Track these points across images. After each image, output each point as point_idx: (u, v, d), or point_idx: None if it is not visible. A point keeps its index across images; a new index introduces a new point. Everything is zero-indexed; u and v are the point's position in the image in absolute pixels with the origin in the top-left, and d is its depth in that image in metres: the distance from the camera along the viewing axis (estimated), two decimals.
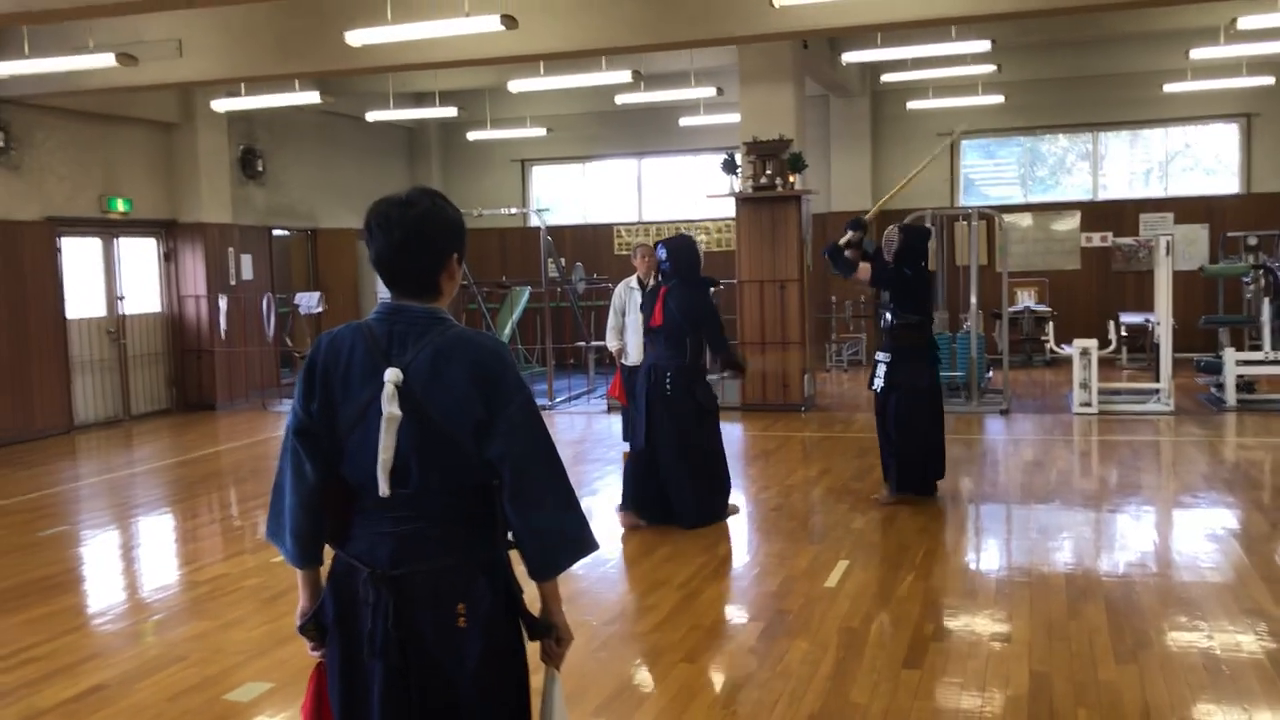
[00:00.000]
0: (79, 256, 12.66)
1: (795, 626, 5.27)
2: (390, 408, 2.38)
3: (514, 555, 2.55)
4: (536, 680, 2.59)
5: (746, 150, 11.90)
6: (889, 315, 7.62)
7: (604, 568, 6.40)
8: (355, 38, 8.83)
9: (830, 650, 4.91)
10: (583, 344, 14.69)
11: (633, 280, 9.30)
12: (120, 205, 12.92)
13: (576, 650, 5.05)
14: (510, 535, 2.52)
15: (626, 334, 9.18)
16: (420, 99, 15.54)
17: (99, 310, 12.95)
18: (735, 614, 5.61)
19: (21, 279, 11.74)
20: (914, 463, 7.64)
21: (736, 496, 8.51)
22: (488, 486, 2.48)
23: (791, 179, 11.74)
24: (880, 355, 7.71)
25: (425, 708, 2.45)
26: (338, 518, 2.53)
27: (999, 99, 14.87)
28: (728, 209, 13.08)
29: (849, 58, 11.79)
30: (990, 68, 13.34)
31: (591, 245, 17.44)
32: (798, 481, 8.65)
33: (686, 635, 5.24)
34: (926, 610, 5.42)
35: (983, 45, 11.07)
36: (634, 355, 8.88)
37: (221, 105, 12.70)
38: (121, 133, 13.03)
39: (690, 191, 17.04)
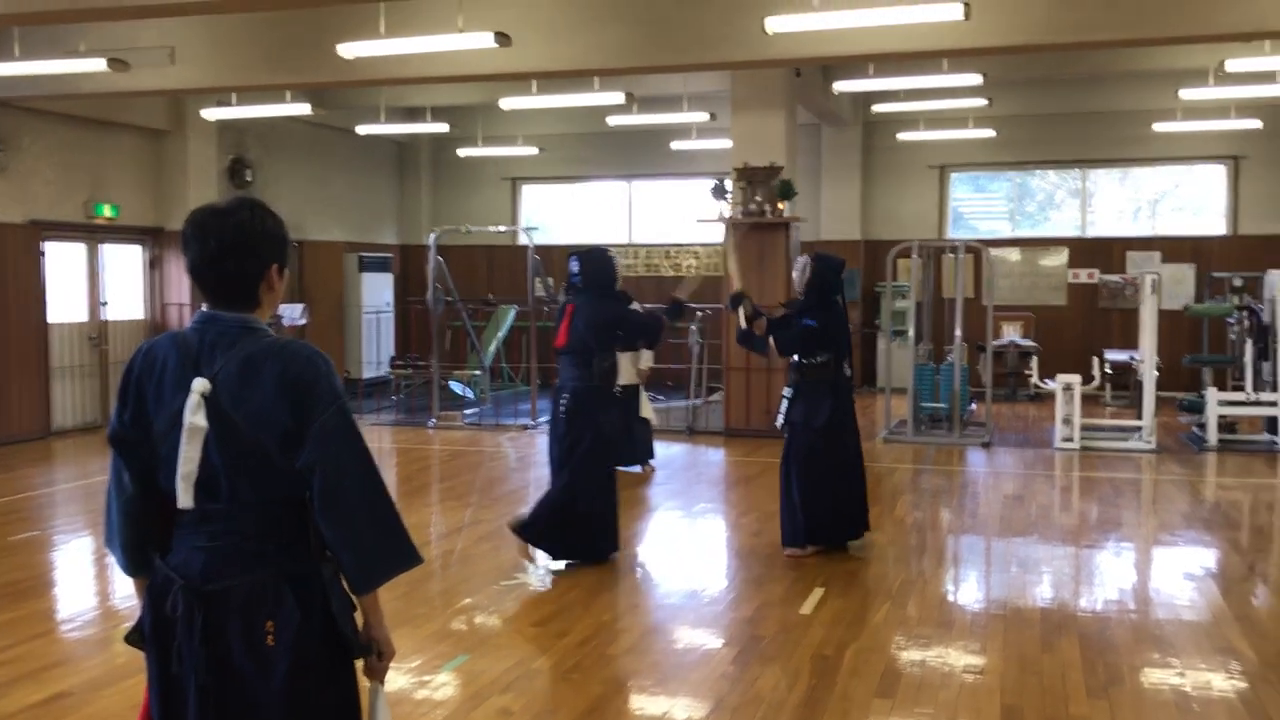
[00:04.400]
0: (63, 261, 12.60)
1: (768, 653, 5.23)
2: (193, 418, 2.35)
3: None
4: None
5: (737, 176, 11.92)
6: (796, 355, 6.93)
7: (577, 590, 6.35)
8: (347, 50, 8.84)
9: (803, 677, 4.88)
10: None
11: None
12: (107, 211, 12.86)
13: (547, 669, 5.02)
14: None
15: None
16: (412, 114, 15.55)
17: (81, 315, 12.87)
18: (709, 639, 5.57)
19: (3, 282, 11.67)
20: (820, 509, 6.83)
21: (713, 521, 8.49)
22: (300, 498, 2.41)
23: (781, 206, 11.76)
24: (785, 391, 7.05)
25: None
26: (161, 528, 2.48)
27: (990, 133, 14.95)
28: (717, 234, 13.09)
29: (840, 87, 11.85)
30: (981, 101, 13.41)
31: None
32: (777, 508, 8.59)
33: (659, 659, 5.20)
34: (901, 640, 5.39)
35: (974, 79, 11.13)
36: None
37: (212, 114, 12.69)
38: (111, 138, 12.99)
39: (680, 215, 17.06)
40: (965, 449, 11.26)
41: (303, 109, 12.59)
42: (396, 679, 4.75)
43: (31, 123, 11.91)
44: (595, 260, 6.76)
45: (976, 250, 13.11)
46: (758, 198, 11.77)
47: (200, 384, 2.36)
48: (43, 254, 12.19)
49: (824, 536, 6.91)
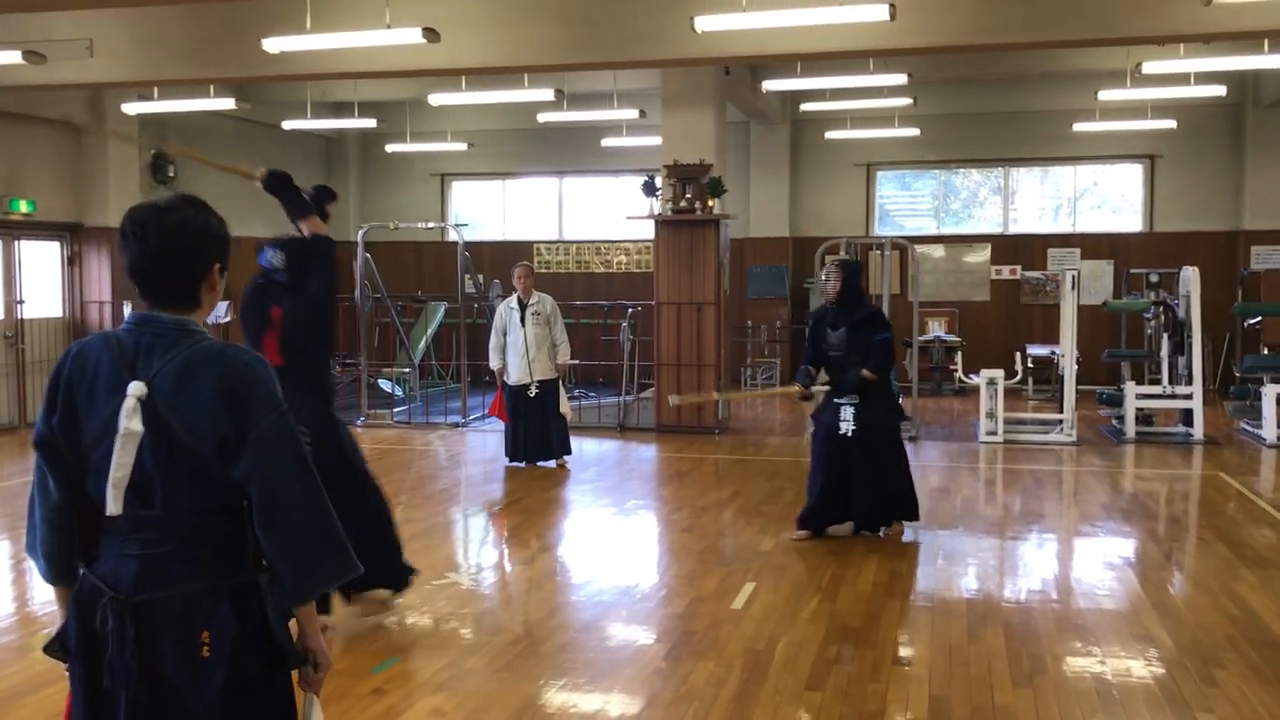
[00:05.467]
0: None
1: (701, 648, 5.27)
2: (129, 423, 2.27)
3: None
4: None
5: (667, 173, 11.97)
6: (839, 357, 7.20)
7: (508, 588, 6.34)
8: (273, 45, 8.71)
9: (735, 671, 4.92)
10: None
11: (513, 300, 10.00)
12: (23, 206, 12.53)
13: (480, 668, 5.01)
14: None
15: (507, 353, 9.90)
16: (339, 109, 15.37)
17: None
18: (642, 635, 5.59)
19: None
20: (890, 499, 7.34)
21: (645, 517, 8.52)
22: (237, 507, 2.35)
23: (710, 203, 11.83)
24: (841, 399, 7.18)
25: None
26: (86, 536, 2.40)
27: (915, 132, 15.17)
28: (647, 231, 13.13)
29: (769, 85, 11.95)
30: (907, 101, 13.61)
31: (511, 262, 17.24)
32: (709, 504, 8.67)
33: (592, 656, 5.21)
34: (830, 633, 5.46)
35: (899, 79, 11.30)
36: (514, 374, 9.84)
37: (133, 108, 12.42)
38: (27, 132, 12.65)
39: (611, 212, 17.08)
40: None
41: (226, 104, 12.39)
42: (327, 683, 4.71)
43: None
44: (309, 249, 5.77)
45: (902, 247, 13.31)
46: (688, 195, 11.83)
47: (136, 388, 2.28)
48: None
49: (891, 518, 7.42)
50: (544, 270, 17.37)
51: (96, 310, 13.43)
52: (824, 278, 7.29)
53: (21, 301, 12.81)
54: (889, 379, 7.44)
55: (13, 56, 9.17)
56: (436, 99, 12.10)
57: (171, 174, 14.62)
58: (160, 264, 2.34)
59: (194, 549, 2.33)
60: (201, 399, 2.29)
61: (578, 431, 11.92)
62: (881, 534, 7.38)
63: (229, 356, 2.34)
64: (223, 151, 15.56)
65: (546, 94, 11.78)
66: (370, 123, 14.83)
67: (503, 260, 17.28)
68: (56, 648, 2.46)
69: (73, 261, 13.46)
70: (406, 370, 14.31)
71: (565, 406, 10.15)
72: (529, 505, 8.72)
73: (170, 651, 2.30)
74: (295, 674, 2.49)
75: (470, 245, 14.74)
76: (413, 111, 15.87)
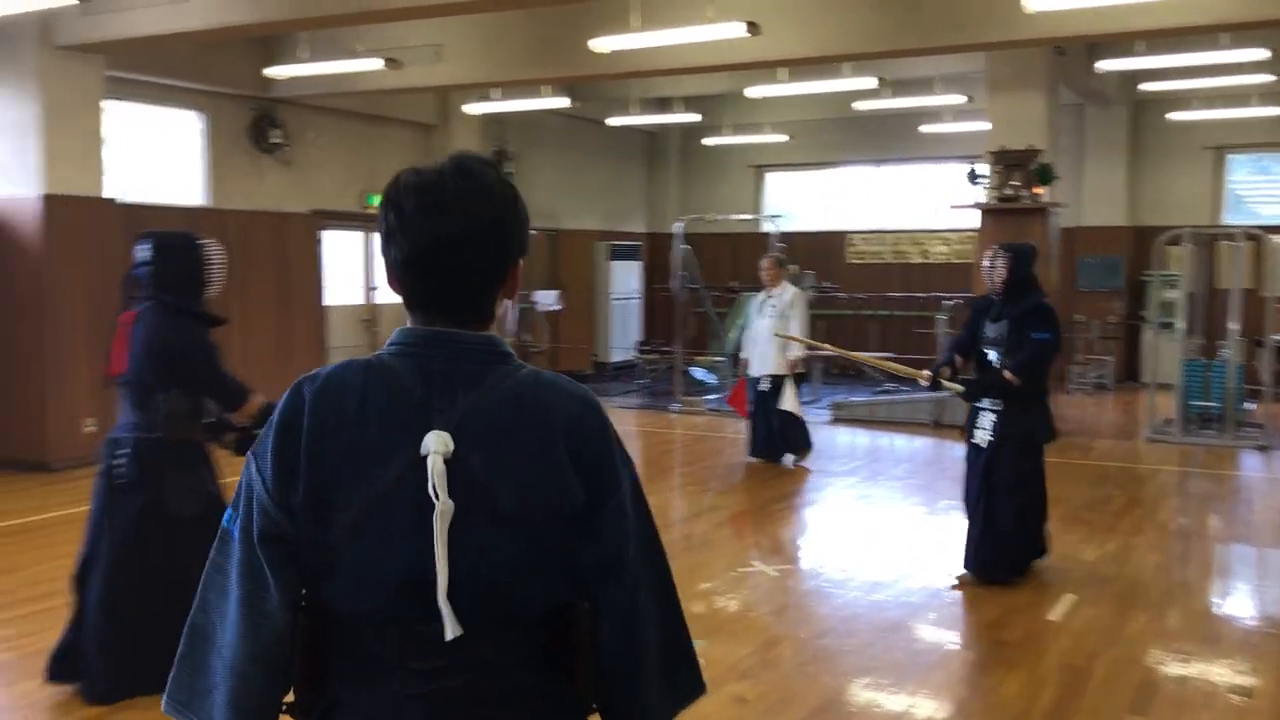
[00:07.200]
0: (337, 248, 13.54)
1: (1014, 658, 5.07)
2: (445, 496, 1.52)
3: None
4: None
5: (993, 160, 11.50)
6: (993, 354, 6.07)
7: (816, 580, 6.33)
8: (601, 44, 9.07)
9: (1049, 686, 4.70)
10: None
11: (764, 293, 9.82)
12: (379, 201, 13.69)
13: (783, 660, 5.04)
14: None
15: (747, 345, 9.74)
16: (662, 104, 15.80)
17: (355, 299, 13.81)
18: (948, 640, 5.44)
19: (288, 268, 12.65)
20: (1021, 532, 6.16)
21: (957, 519, 8.27)
22: (572, 611, 1.62)
23: (1039, 191, 11.27)
24: (985, 402, 6.12)
25: None
26: (306, 674, 1.62)
27: (1276, 111, 13.78)
28: (969, 220, 12.68)
29: (1105, 65, 11.22)
30: (1269, 77, 12.38)
31: (825, 253, 17.25)
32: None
33: (898, 659, 5.12)
34: (1158, 654, 5.10)
35: (1260, 54, 10.28)
36: (755, 366, 9.60)
37: (475, 109, 13.30)
38: (384, 133, 13.84)
39: (929, 200, 16.61)
40: (1239, 452, 10.48)
41: (561, 102, 13.01)
42: None
43: (315, 119, 12.84)
44: (172, 246, 4.50)
45: (1257, 237, 12.15)
46: (1014, 182, 11.32)
47: (440, 440, 1.54)
48: (319, 241, 13.14)
49: (1024, 563, 6.24)
50: (857, 261, 17.15)
51: None
52: (988, 264, 6.14)
53: (375, 289, 14.05)
54: (1041, 386, 6.13)
55: (375, 64, 10.06)
56: (753, 91, 12.19)
57: (510, 169, 15.53)
58: (458, 254, 1.61)
59: (512, 674, 1.60)
60: (540, 452, 1.58)
61: (888, 427, 11.73)
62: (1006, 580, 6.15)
63: (568, 392, 1.64)
64: (553, 147, 16.41)
65: (868, 82, 11.60)
66: (692, 117, 15.15)
67: (817, 251, 17.23)
68: None
69: None
70: (719, 359, 14.54)
71: (790, 403, 9.53)
72: (830, 499, 8.66)
73: None
74: None
75: (785, 236, 14.76)
76: (731, 104, 16.07)
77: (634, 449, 11.02)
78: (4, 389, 9.43)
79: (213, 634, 1.61)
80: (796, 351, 9.47)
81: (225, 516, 1.63)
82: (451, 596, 1.52)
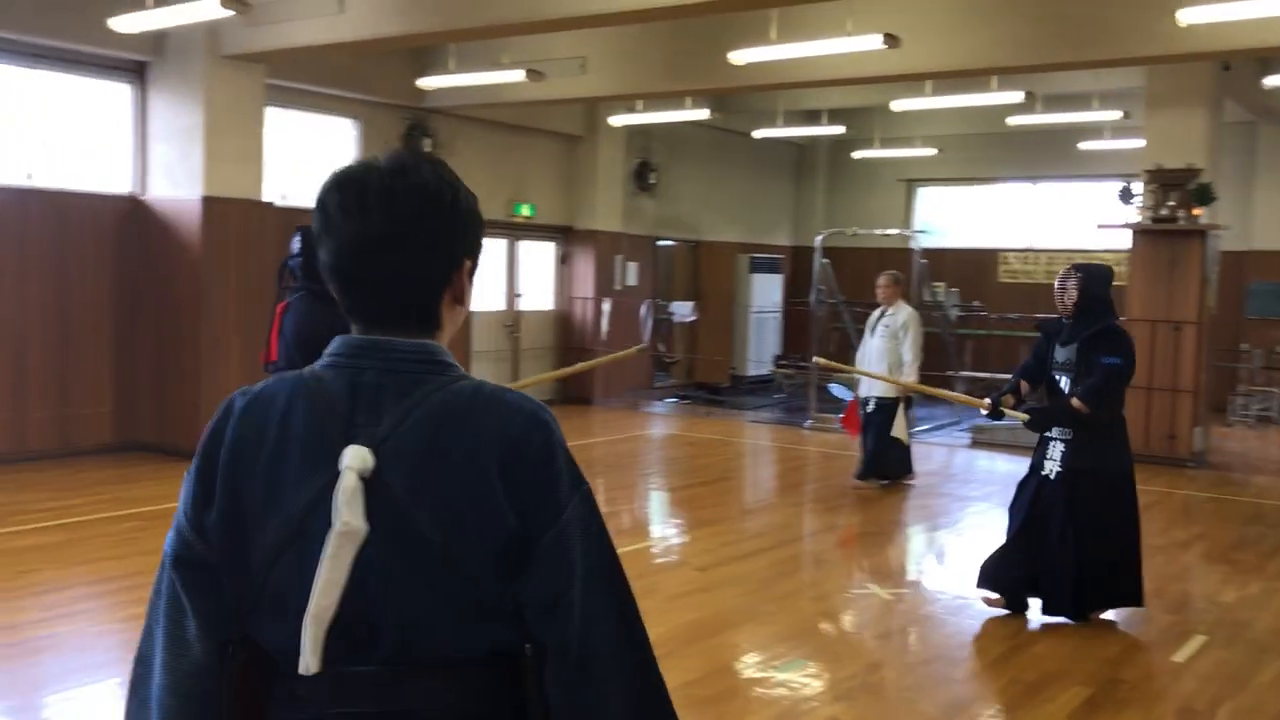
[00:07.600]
0: (484, 254, 13.85)
1: (1129, 697, 4.84)
2: (348, 515, 1.36)
3: None
4: None
5: (1147, 178, 11.03)
6: (1064, 380, 5.72)
7: (926, 607, 6.17)
8: (739, 57, 9.07)
9: None
10: (950, 373, 14.22)
11: (879, 311, 9.56)
12: (525, 210, 14.01)
13: (885, 683, 4.94)
14: None
15: (858, 364, 9.37)
16: (809, 117, 15.69)
17: (499, 305, 14.12)
18: (1061, 674, 5.23)
19: None
20: (1099, 575, 5.68)
21: None
22: (513, 652, 1.43)
23: (1197, 212, 10.75)
24: (1055, 432, 5.76)
25: None
26: (247, 710, 1.45)
27: None
28: (1124, 241, 12.18)
29: (1273, 81, 10.63)
30: None
31: (973, 271, 16.83)
32: (1167, 543, 7.89)
33: (1005, 687, 4.96)
34: None
35: None
36: (864, 386, 9.26)
37: (619, 120, 13.46)
38: (530, 143, 14.13)
39: (1086, 220, 16.01)
40: None
41: (702, 114, 13.06)
42: (733, 670, 4.84)
43: (464, 129, 13.19)
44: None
45: None
46: (1170, 202, 10.82)
47: (356, 456, 1.38)
48: None
49: (1097, 602, 5.80)
50: (1009, 280, 16.67)
51: (580, 305, 14.72)
52: (1059, 285, 5.69)
53: (519, 295, 14.34)
54: (1113, 414, 5.70)
55: (518, 75, 10.30)
56: (897, 105, 12.00)
57: (653, 181, 15.66)
58: (386, 256, 1.46)
59: None
60: (468, 472, 1.40)
61: (1017, 450, 11.34)
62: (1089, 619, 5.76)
63: (507, 404, 1.45)
64: (697, 159, 16.46)
65: (1015, 96, 11.29)
66: (838, 129, 15.00)
67: (965, 269, 16.83)
68: None
69: (564, 260, 14.85)
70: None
71: (899, 430, 9.13)
72: (958, 524, 8.43)
73: None
74: None
75: (932, 253, 14.46)
76: (879, 117, 15.84)
77: (765, 464, 10.97)
78: (163, 381, 9.97)
79: (150, 662, 1.51)
80: (909, 378, 8.94)
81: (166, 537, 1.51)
82: (362, 632, 1.38)
